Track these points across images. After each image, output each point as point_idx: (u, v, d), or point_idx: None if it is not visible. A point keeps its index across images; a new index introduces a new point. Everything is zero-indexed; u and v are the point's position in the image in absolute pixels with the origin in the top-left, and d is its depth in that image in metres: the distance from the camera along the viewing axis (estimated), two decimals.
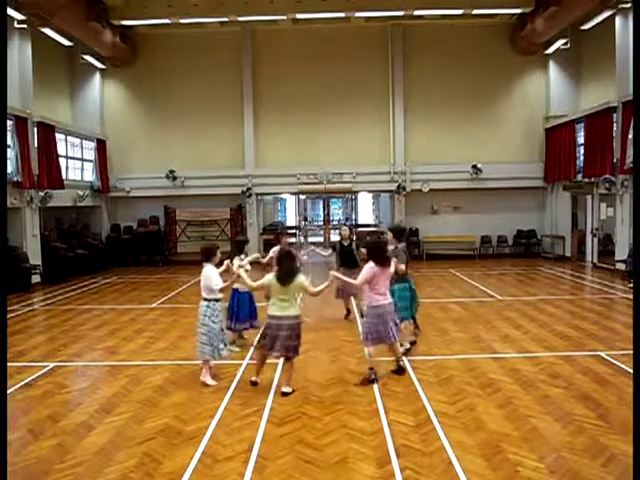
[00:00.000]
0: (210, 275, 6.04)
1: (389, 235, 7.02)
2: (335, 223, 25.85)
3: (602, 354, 6.84)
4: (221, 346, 6.10)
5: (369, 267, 5.81)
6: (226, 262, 6.75)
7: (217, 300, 6.15)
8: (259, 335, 6.05)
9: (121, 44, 16.96)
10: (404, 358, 6.66)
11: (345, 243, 8.98)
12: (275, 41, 18.05)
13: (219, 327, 6.14)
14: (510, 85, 18.22)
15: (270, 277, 5.69)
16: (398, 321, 6.07)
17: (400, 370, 6.21)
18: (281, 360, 6.05)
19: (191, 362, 6.76)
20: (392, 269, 6.01)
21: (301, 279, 5.66)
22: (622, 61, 13.43)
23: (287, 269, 5.67)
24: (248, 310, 7.46)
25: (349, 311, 9.14)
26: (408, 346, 6.93)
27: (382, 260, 5.85)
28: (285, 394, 5.60)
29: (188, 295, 11.98)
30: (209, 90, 18.11)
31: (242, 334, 7.64)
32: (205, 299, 6.10)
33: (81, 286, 13.77)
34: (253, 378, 5.95)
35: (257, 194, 18.37)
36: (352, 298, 8.92)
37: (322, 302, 10.31)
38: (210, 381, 6.03)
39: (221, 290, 6.14)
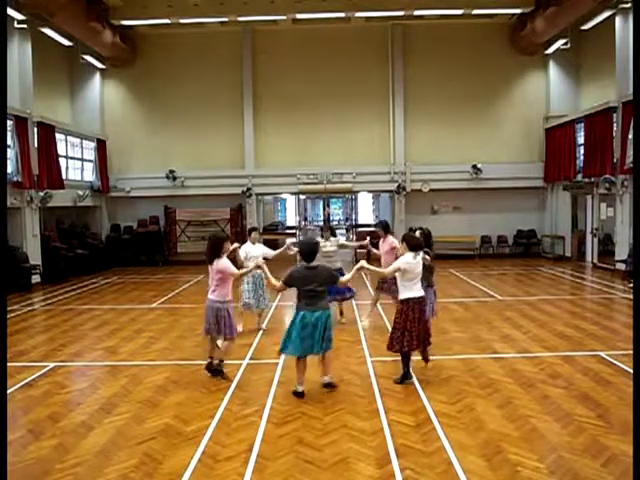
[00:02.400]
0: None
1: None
2: (335, 223, 25.88)
3: (602, 354, 6.84)
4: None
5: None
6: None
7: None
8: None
9: (121, 44, 16.96)
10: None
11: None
12: (275, 41, 18.06)
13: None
14: (510, 85, 18.22)
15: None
16: None
17: (213, 370, 6.24)
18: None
19: (191, 362, 6.76)
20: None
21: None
22: (622, 61, 13.42)
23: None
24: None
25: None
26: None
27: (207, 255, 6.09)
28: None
29: (188, 295, 11.98)
30: (209, 90, 18.12)
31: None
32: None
33: (81, 286, 13.77)
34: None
35: (257, 194, 18.37)
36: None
37: None
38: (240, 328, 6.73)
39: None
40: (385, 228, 8.44)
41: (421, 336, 5.80)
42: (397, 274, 5.76)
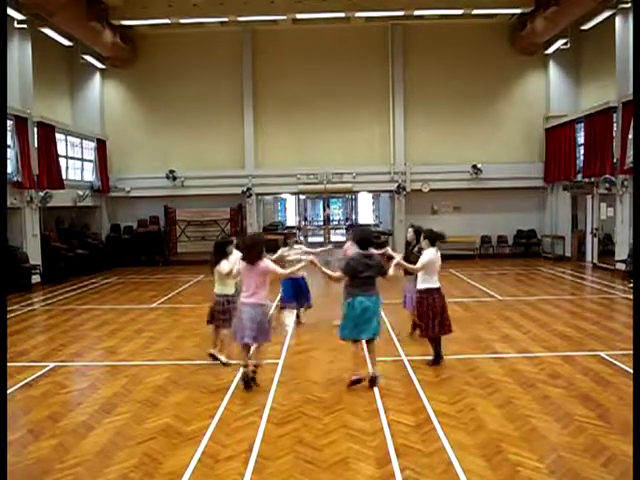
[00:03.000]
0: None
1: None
2: (335, 223, 25.90)
3: (602, 354, 6.84)
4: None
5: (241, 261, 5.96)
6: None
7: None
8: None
9: (121, 44, 16.96)
10: (405, 358, 6.69)
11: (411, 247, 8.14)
12: (275, 41, 18.06)
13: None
14: (510, 85, 18.22)
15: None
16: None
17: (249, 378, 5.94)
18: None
19: (191, 362, 6.76)
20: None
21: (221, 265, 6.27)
22: (622, 61, 13.42)
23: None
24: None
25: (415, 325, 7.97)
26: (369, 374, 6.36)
27: (246, 257, 5.73)
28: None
29: (188, 295, 11.99)
30: (209, 90, 18.11)
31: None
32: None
33: (81, 286, 13.77)
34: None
35: (257, 194, 18.37)
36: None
37: (323, 302, 10.30)
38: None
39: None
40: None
41: (446, 322, 6.41)
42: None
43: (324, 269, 5.87)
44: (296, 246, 8.67)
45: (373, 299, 5.69)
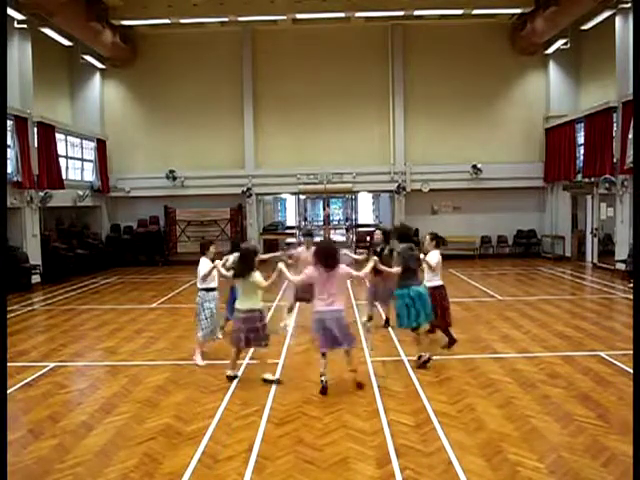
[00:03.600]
0: (200, 266, 6.83)
1: (377, 235, 7.28)
2: (335, 223, 25.91)
3: (602, 354, 6.84)
4: (215, 330, 7.01)
5: (309, 268, 5.69)
6: (216, 262, 6.73)
7: (208, 290, 6.85)
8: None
9: (121, 44, 16.96)
10: (405, 358, 6.70)
11: (378, 248, 8.17)
12: (275, 41, 18.06)
13: (209, 313, 6.82)
14: (510, 85, 18.22)
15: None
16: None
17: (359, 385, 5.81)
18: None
19: (191, 362, 6.76)
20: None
21: (255, 275, 5.85)
22: (622, 61, 13.42)
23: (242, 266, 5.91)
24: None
25: (387, 319, 8.49)
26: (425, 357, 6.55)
27: (325, 263, 5.54)
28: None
29: (188, 295, 11.97)
30: (209, 90, 18.12)
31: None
32: (199, 289, 6.92)
33: (81, 286, 13.77)
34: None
35: (257, 194, 18.37)
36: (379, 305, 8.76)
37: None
38: (201, 362, 6.70)
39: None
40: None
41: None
42: (426, 267, 6.67)
43: (386, 269, 6.31)
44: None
45: (422, 287, 6.42)
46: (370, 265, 5.96)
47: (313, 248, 6.14)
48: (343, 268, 5.61)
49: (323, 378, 5.71)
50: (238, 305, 5.98)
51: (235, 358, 6.13)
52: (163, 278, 15.07)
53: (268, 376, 6.02)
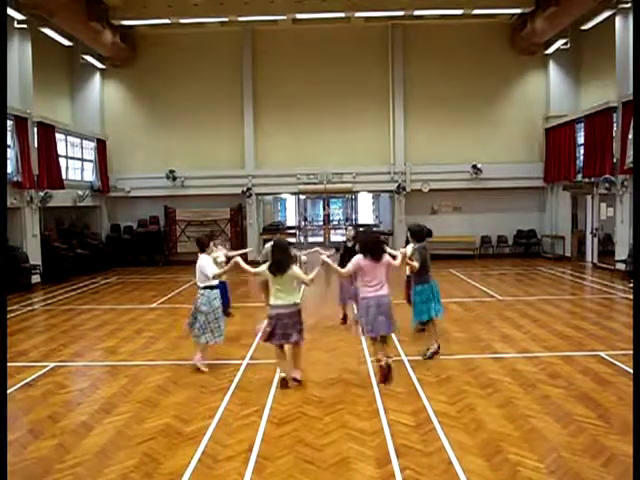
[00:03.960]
0: (204, 264, 6.54)
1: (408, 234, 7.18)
2: (335, 223, 25.90)
3: (602, 354, 6.84)
4: (217, 333, 6.54)
5: (357, 258, 5.95)
6: (236, 257, 6.48)
7: (212, 287, 6.59)
8: (264, 330, 5.98)
9: (121, 44, 16.97)
10: (405, 358, 6.70)
11: (349, 244, 8.62)
12: (275, 41, 18.06)
13: (218, 313, 6.59)
14: (510, 85, 18.22)
15: (264, 267, 5.84)
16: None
17: (388, 370, 5.91)
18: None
19: (191, 362, 6.75)
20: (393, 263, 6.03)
21: (294, 269, 5.79)
22: (622, 61, 13.42)
23: (279, 260, 5.74)
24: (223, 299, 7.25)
25: (345, 317, 8.85)
26: (434, 348, 6.79)
27: (372, 253, 5.87)
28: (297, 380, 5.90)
29: (188, 295, 11.95)
30: (209, 90, 18.12)
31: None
32: (201, 287, 6.55)
33: (81, 286, 13.77)
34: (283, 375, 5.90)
35: (257, 194, 18.38)
36: (353, 304, 8.80)
37: (322, 303, 10.33)
38: (204, 367, 6.43)
39: (216, 277, 6.49)
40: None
41: None
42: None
43: (411, 262, 6.41)
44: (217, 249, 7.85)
45: (435, 282, 6.93)
46: (400, 258, 6.19)
47: (360, 239, 6.50)
48: (386, 257, 6.00)
49: (383, 362, 5.89)
50: (277, 301, 5.74)
51: (283, 356, 5.96)
52: (163, 278, 15.07)
53: (297, 375, 5.95)
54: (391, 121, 18.08)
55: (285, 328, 5.71)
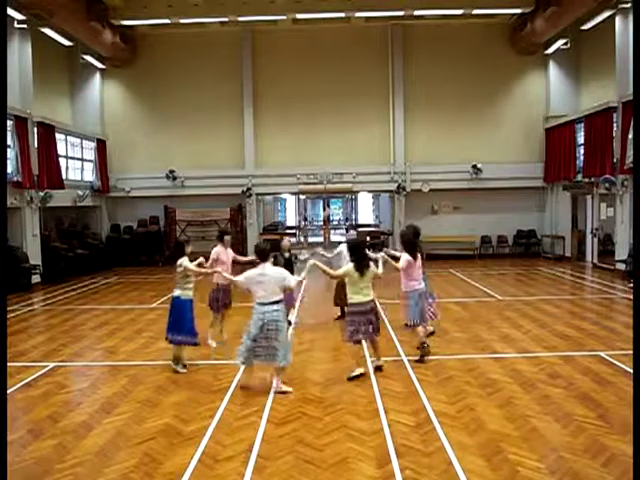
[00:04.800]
0: (283, 273, 5.68)
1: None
2: (335, 223, 25.91)
3: (602, 354, 6.84)
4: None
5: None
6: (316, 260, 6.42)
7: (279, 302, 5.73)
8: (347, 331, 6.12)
9: (121, 44, 16.97)
10: (405, 358, 6.70)
11: (286, 255, 8.36)
12: (275, 41, 18.06)
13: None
14: (510, 85, 18.22)
15: (347, 268, 6.07)
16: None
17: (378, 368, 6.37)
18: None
19: (191, 362, 6.75)
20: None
21: (372, 267, 6.10)
22: (622, 61, 13.43)
23: (363, 260, 6.04)
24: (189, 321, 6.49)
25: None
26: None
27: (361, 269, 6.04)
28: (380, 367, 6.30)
29: None
30: (209, 90, 18.12)
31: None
32: (276, 302, 5.57)
33: (81, 286, 13.77)
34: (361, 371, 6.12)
35: (257, 194, 18.38)
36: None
37: (322, 302, 10.32)
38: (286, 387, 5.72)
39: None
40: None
41: None
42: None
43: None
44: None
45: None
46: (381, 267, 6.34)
47: (402, 239, 7.00)
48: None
49: (425, 344, 6.62)
50: (360, 299, 6.00)
51: (362, 354, 6.41)
52: (163, 278, 15.05)
53: (357, 372, 6.11)
54: (391, 121, 18.08)
55: (369, 323, 6.02)
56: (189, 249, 6.66)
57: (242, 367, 5.96)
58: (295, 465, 4.17)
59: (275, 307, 5.52)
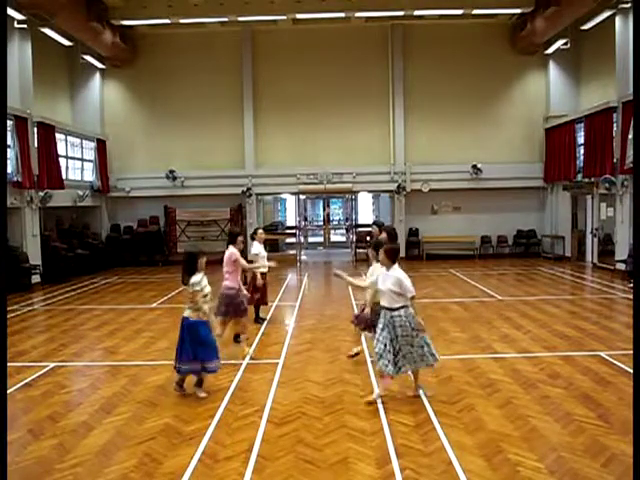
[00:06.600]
0: (403, 279, 5.20)
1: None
2: (335, 223, 25.90)
3: (602, 354, 6.84)
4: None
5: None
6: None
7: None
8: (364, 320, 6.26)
9: (121, 44, 16.97)
10: None
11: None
12: (275, 41, 18.06)
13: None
14: (510, 85, 18.22)
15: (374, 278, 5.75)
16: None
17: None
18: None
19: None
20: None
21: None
22: (622, 61, 13.43)
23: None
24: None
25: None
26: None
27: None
28: None
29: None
30: (209, 90, 18.12)
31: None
32: (404, 306, 5.23)
33: (81, 286, 13.77)
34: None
35: (257, 194, 18.39)
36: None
37: (322, 302, 10.33)
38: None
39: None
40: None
41: None
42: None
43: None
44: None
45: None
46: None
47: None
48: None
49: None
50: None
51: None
52: (163, 278, 15.07)
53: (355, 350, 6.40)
54: (391, 121, 18.08)
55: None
56: (204, 259, 5.63)
57: None
58: (295, 465, 4.17)
59: (400, 312, 5.23)
